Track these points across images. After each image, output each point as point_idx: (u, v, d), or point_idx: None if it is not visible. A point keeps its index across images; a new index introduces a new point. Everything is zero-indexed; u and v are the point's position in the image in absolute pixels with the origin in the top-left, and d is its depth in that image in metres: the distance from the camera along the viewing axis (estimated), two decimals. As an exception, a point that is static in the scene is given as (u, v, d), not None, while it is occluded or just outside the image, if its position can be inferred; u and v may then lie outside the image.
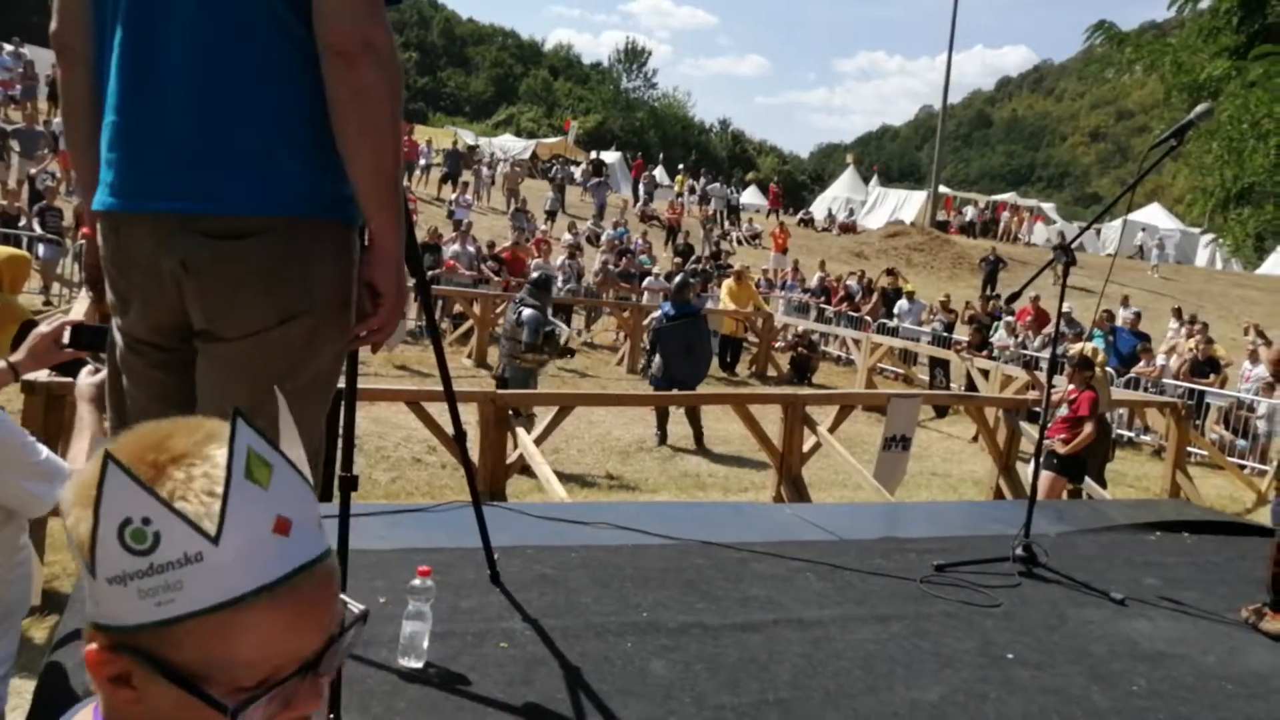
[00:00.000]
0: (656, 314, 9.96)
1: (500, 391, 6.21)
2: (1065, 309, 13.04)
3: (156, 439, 0.75)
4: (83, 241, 1.98)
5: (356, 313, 1.73)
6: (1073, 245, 3.44)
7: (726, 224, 27.81)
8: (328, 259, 1.67)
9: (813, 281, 18.86)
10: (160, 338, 1.70)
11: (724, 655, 2.56)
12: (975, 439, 10.58)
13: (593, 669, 2.38)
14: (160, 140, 1.58)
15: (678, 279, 10.34)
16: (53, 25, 1.72)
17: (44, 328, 2.18)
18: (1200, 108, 3.12)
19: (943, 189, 35.19)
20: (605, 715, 2.18)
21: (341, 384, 1.99)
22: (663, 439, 8.97)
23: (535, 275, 9.19)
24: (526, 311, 7.87)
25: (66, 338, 2.00)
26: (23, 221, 12.34)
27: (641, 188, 29.05)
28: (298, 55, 1.58)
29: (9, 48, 21.34)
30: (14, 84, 20.22)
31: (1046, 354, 11.22)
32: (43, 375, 3.82)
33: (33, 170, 14.17)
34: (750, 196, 36.94)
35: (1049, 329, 13.99)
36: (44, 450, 1.84)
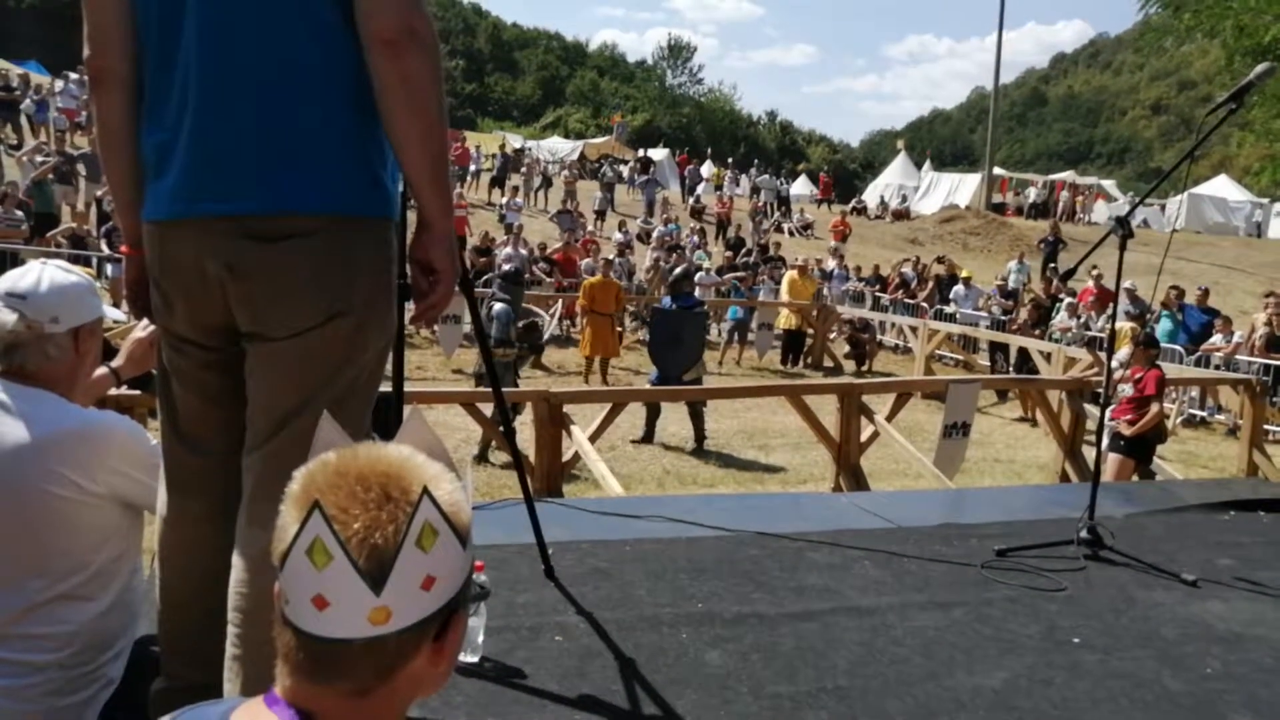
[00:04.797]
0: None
1: (554, 390, 6.24)
2: (1128, 286, 12.66)
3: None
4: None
5: (414, 291, 1.77)
6: (1134, 221, 3.34)
7: (778, 215, 27.60)
8: (369, 256, 1.69)
9: (867, 271, 18.63)
10: (206, 338, 1.74)
11: (780, 644, 2.54)
12: (1033, 421, 10.36)
13: (647, 660, 2.38)
14: (203, 146, 1.61)
15: (677, 270, 10.21)
16: (86, 52, 1.72)
17: (139, 333, 2.27)
18: (1260, 68, 2.99)
19: (998, 170, 34.48)
20: (661, 706, 2.17)
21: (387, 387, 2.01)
22: (649, 436, 8.69)
23: (506, 268, 9.04)
24: (497, 306, 7.76)
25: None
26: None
27: (687, 183, 29.00)
28: (335, 52, 1.60)
29: (74, 76, 22.08)
30: (78, 111, 20.91)
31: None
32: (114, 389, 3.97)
33: (99, 193, 14.65)
34: (800, 187, 36.56)
35: (1112, 307, 13.62)
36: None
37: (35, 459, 1.78)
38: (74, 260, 11.02)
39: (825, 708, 2.22)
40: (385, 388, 2.15)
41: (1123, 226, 3.27)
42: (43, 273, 1.88)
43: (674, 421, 8.92)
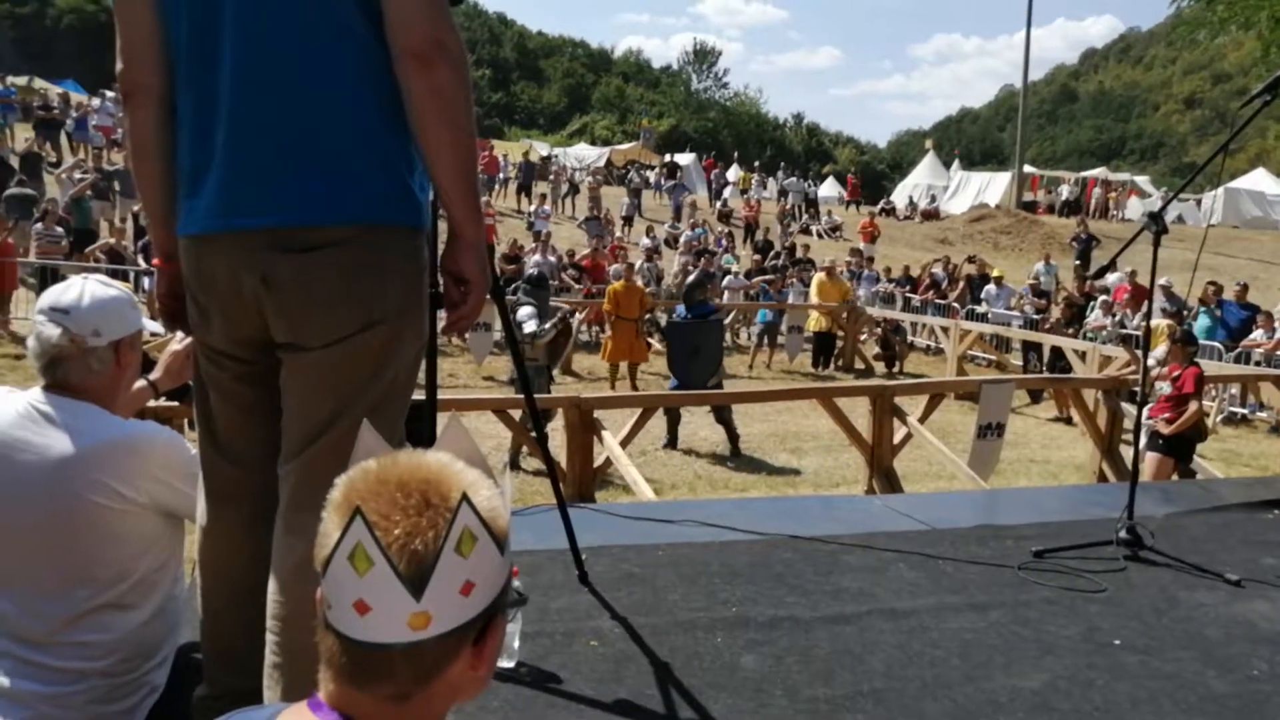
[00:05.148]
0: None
1: (585, 396, 6.25)
2: (1164, 283, 12.46)
3: None
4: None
5: (446, 301, 1.79)
6: (1168, 216, 3.29)
7: (805, 218, 27.51)
8: (401, 264, 1.71)
9: (897, 273, 18.50)
10: (242, 351, 1.76)
11: (816, 648, 2.53)
12: (1069, 421, 10.22)
13: (682, 664, 2.38)
14: (237, 161, 1.63)
15: (691, 278, 10.18)
16: (119, 66, 1.75)
17: (176, 346, 2.31)
18: (1296, 59, 2.95)
19: (1028, 169, 34.12)
20: (696, 710, 2.17)
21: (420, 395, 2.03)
22: (672, 443, 8.67)
23: (530, 273, 9.11)
24: (523, 309, 7.84)
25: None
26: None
27: (713, 187, 29.00)
28: (366, 61, 1.62)
29: (111, 94, 22.51)
30: (114, 129, 21.31)
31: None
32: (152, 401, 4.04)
33: (135, 208, 14.91)
34: (828, 189, 36.44)
35: (1148, 304, 13.42)
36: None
37: (80, 470, 1.82)
38: (112, 275, 11.22)
39: (862, 710, 2.21)
40: (419, 395, 2.17)
41: (1156, 222, 3.23)
42: (84, 288, 1.92)
43: (704, 426, 8.91)
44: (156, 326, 2.38)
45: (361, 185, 1.65)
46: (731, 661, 2.43)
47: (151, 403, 3.95)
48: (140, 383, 2.24)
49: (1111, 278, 12.84)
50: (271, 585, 1.67)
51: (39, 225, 12.85)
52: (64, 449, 1.81)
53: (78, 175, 16.06)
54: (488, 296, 1.90)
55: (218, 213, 1.66)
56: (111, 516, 1.84)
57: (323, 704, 0.88)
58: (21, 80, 24.90)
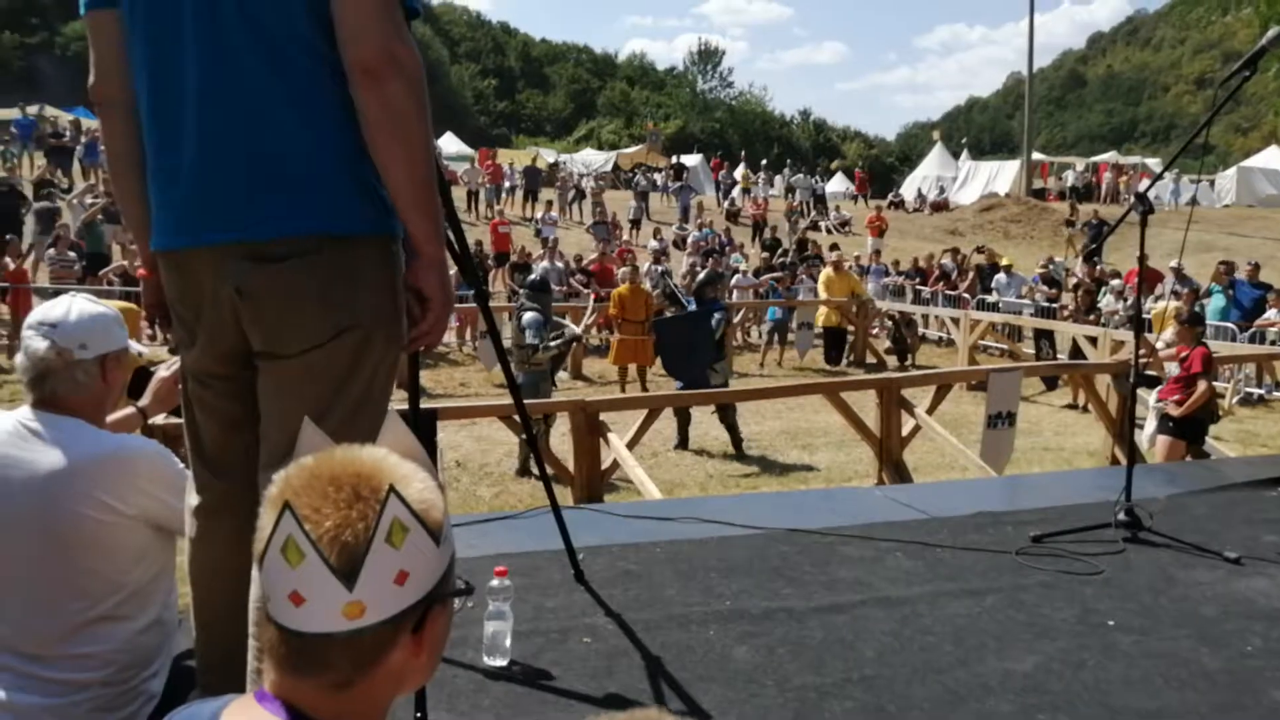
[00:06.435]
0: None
1: (591, 399, 6.27)
2: (1174, 265, 12.34)
3: None
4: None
5: (409, 319, 1.80)
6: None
7: (814, 214, 27.46)
8: (373, 271, 1.74)
9: (907, 265, 18.44)
10: (226, 367, 1.80)
11: (808, 638, 2.55)
12: (1083, 408, 10.16)
13: (674, 658, 2.41)
14: (203, 175, 1.67)
15: (702, 275, 10.16)
16: (90, 79, 1.82)
17: (164, 371, 2.36)
18: (1272, 32, 2.94)
19: (1038, 155, 33.93)
20: (686, 701, 2.20)
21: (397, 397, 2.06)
22: (683, 443, 8.65)
23: (532, 277, 9.10)
24: (527, 315, 7.77)
25: None
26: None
27: (721, 187, 29.01)
28: (325, 73, 1.65)
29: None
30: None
31: (1154, 313, 10.69)
32: (160, 418, 4.10)
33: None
34: (837, 184, 36.35)
35: (1161, 287, 13.33)
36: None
37: (70, 484, 1.86)
38: (124, 297, 11.36)
39: (851, 697, 2.23)
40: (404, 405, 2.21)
41: (1143, 202, 3.23)
42: (72, 304, 1.97)
43: (715, 426, 8.92)
44: (141, 348, 2.43)
45: (329, 196, 1.68)
46: (724, 653, 2.45)
47: (159, 421, 4.04)
48: (129, 409, 2.29)
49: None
50: (252, 592, 1.71)
51: (51, 250, 13.02)
52: (53, 464, 1.86)
53: (89, 200, 16.24)
54: (474, 304, 1.92)
55: (187, 229, 1.70)
56: (101, 529, 1.89)
57: (268, 694, 0.92)
58: (34, 109, 25.23)
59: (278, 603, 0.90)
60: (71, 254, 13.15)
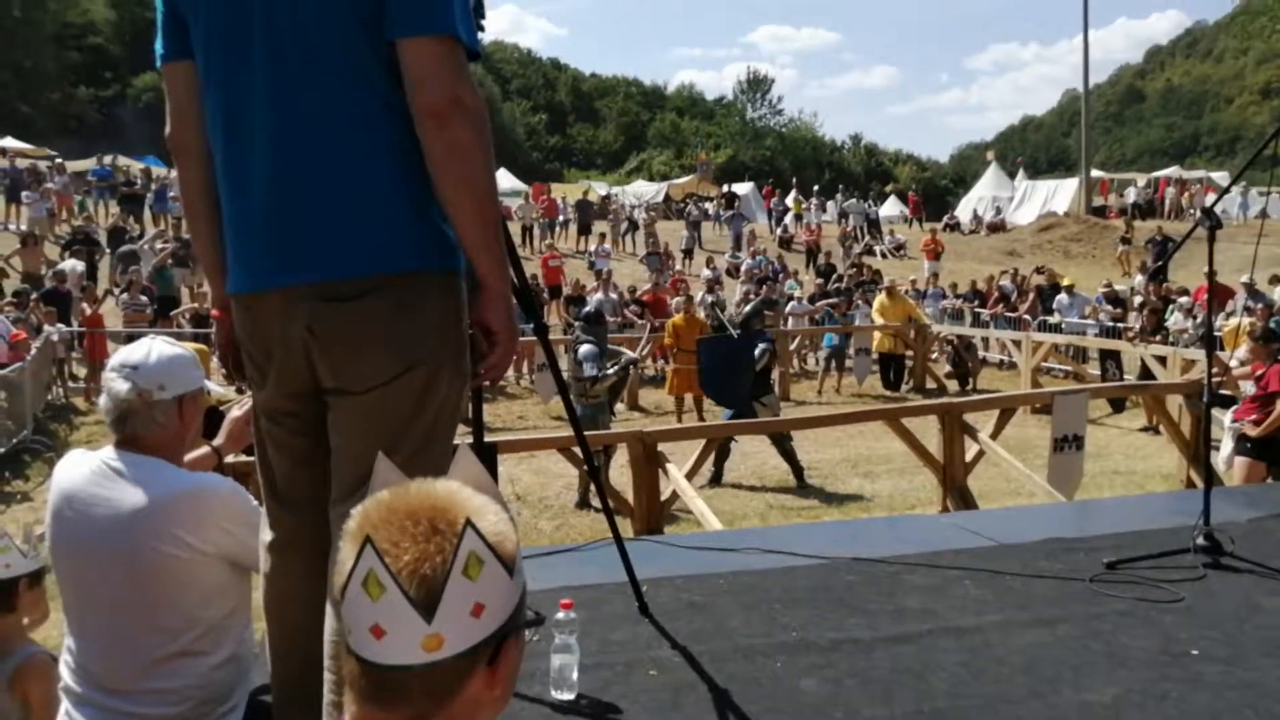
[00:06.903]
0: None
1: (649, 429, 6.28)
2: (1245, 280, 11.99)
3: None
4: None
5: (473, 352, 1.84)
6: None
7: (868, 238, 27.27)
8: (438, 307, 1.78)
9: (965, 288, 18.17)
10: (297, 404, 1.85)
11: (876, 669, 2.50)
12: (1157, 430, 9.88)
13: (741, 690, 2.38)
14: (273, 219, 1.73)
15: (748, 306, 10.12)
16: (168, 129, 1.90)
17: (237, 411, 2.43)
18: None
19: (1097, 173, 33.30)
20: (754, 735, 2.17)
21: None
22: (716, 479, 8.46)
23: (587, 309, 9.12)
24: (584, 348, 7.82)
25: None
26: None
27: (773, 215, 28.99)
28: (391, 116, 1.71)
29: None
30: (193, 199, 22.24)
31: (1225, 330, 10.37)
32: (230, 456, 4.23)
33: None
34: (890, 208, 36.07)
35: (1232, 304, 12.93)
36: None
37: (150, 521, 1.92)
38: (195, 339, 11.72)
39: (924, 731, 2.18)
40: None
41: (1209, 218, 3.15)
42: (151, 346, 2.05)
43: (773, 455, 8.85)
44: (218, 388, 2.51)
45: (395, 236, 1.73)
46: (790, 685, 2.42)
47: (231, 459, 4.16)
48: (204, 449, 2.37)
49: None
50: (327, 625, 1.74)
51: (125, 295, 13.49)
52: (135, 502, 1.92)
53: (159, 245, 16.82)
54: (534, 337, 1.95)
55: (260, 271, 1.76)
56: (179, 566, 1.94)
57: None
58: (108, 159, 26.30)
59: (359, 636, 0.92)
60: (143, 297, 13.61)
